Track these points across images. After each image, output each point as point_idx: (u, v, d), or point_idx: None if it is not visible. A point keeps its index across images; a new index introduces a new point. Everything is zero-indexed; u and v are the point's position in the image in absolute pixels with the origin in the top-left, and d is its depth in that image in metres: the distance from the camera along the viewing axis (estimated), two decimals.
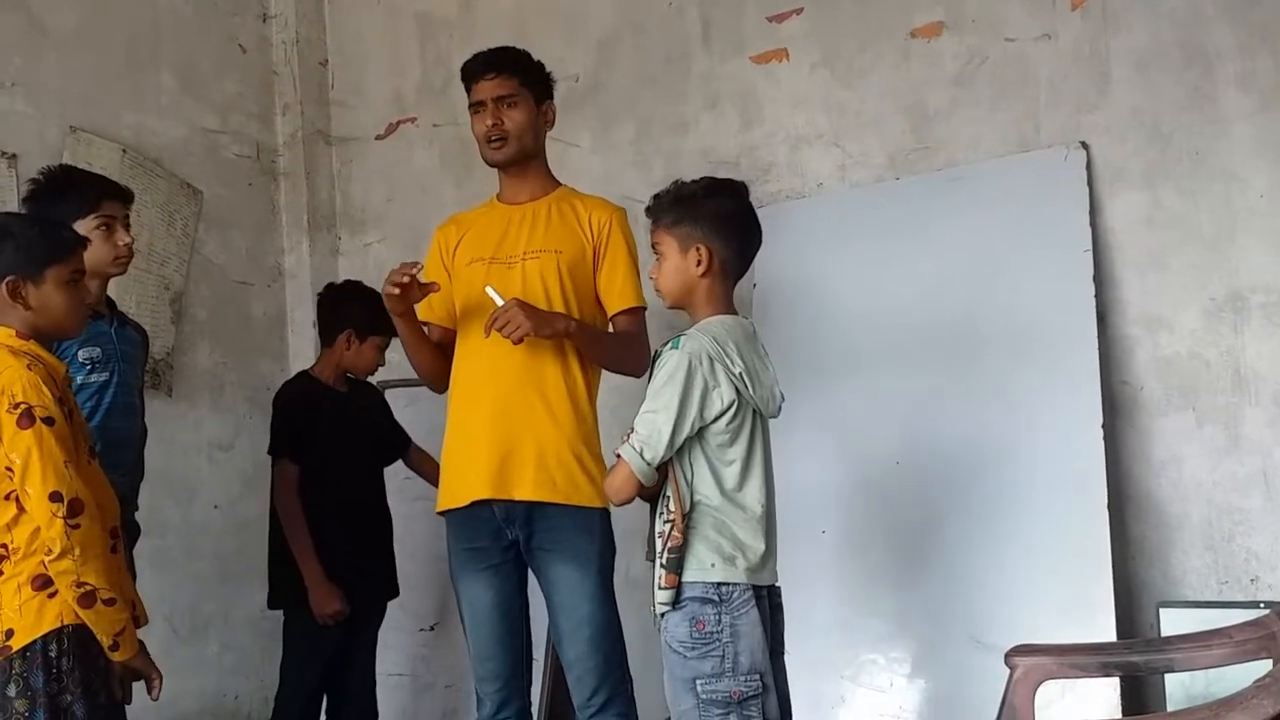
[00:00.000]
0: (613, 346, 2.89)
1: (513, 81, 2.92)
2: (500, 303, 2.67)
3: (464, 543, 2.86)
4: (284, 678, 3.54)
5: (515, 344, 2.67)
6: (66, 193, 2.89)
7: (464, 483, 2.82)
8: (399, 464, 3.85)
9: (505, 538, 2.82)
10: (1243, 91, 3.11)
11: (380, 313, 3.62)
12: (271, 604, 3.59)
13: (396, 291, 2.73)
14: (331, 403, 3.58)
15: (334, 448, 3.51)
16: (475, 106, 2.95)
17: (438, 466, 3.18)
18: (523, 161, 2.95)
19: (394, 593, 3.70)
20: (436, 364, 2.95)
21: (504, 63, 2.94)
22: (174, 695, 3.95)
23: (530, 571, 2.90)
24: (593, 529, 2.80)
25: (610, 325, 2.93)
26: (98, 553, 2.28)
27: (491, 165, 2.99)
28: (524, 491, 2.77)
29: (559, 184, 3.03)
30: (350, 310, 3.62)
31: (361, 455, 3.61)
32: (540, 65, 3.00)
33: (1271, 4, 3.08)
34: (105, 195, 2.92)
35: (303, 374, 3.72)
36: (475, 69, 2.95)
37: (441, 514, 2.92)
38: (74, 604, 2.28)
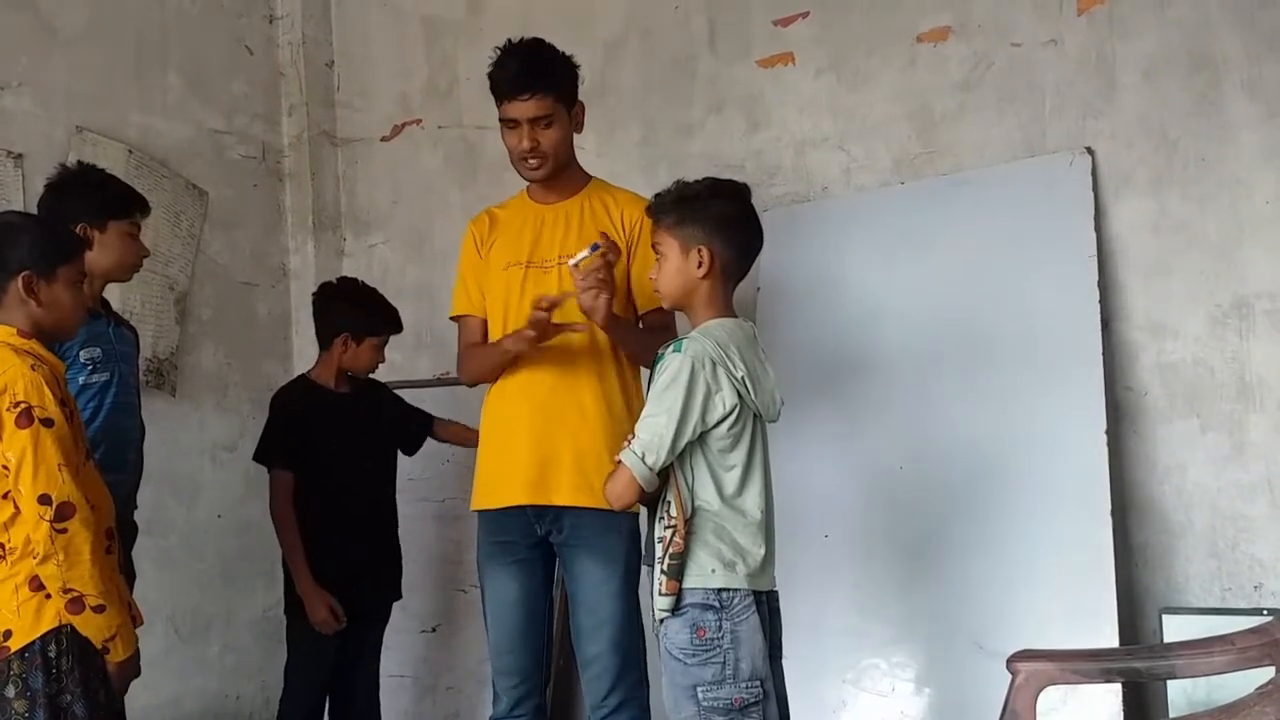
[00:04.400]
0: (646, 344, 2.79)
1: (549, 100, 2.79)
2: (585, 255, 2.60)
3: (494, 537, 2.87)
4: (288, 681, 3.54)
5: (583, 304, 2.62)
6: (105, 191, 2.97)
7: (502, 487, 2.84)
8: (402, 466, 3.83)
9: (535, 534, 2.84)
10: (1250, 98, 3.11)
11: (376, 312, 3.61)
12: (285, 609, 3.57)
13: (533, 334, 2.66)
14: (331, 407, 3.56)
15: (334, 452, 3.49)
16: (509, 123, 2.84)
17: (465, 429, 3.16)
18: (558, 173, 2.90)
19: (397, 595, 3.69)
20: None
21: (540, 81, 2.79)
22: (176, 695, 3.99)
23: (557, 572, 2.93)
24: (621, 530, 2.81)
25: (640, 321, 2.91)
26: (86, 558, 2.27)
27: (528, 181, 2.94)
28: (562, 496, 2.78)
29: (590, 177, 2.99)
30: (344, 311, 3.58)
31: (366, 457, 3.59)
32: (571, 66, 2.88)
33: None
34: (139, 204, 3.02)
35: (301, 378, 3.69)
36: (509, 87, 2.80)
37: (474, 511, 2.93)
38: (63, 609, 2.28)
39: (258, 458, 3.56)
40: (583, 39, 4.12)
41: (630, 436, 2.31)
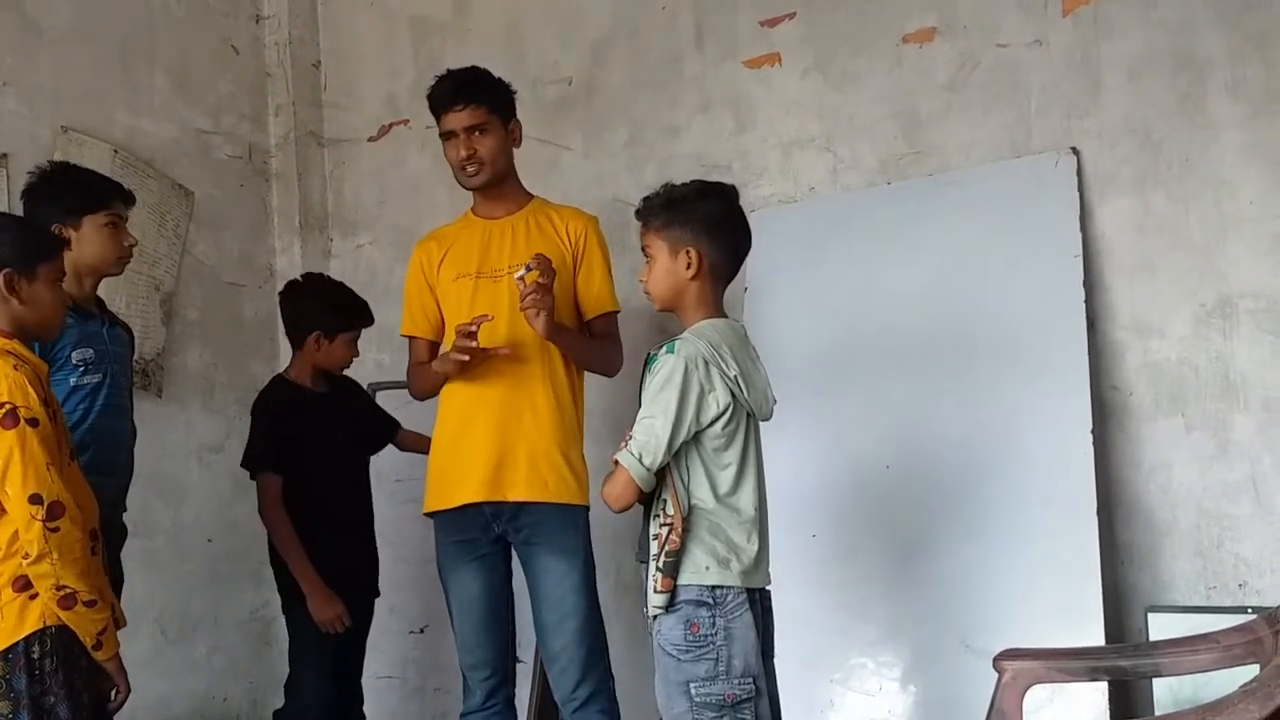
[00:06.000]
0: (590, 350, 3.01)
1: (482, 110, 2.99)
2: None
3: (453, 536, 2.97)
4: (301, 672, 3.46)
5: (528, 318, 2.76)
6: (76, 187, 2.92)
7: (457, 486, 2.94)
8: (389, 468, 3.82)
9: (493, 531, 2.94)
10: (1233, 98, 3.12)
11: (346, 308, 3.56)
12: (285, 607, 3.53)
13: (465, 359, 2.81)
14: (311, 406, 3.51)
15: (318, 452, 3.45)
16: (446, 135, 3.02)
17: (424, 438, 3.26)
18: (497, 183, 3.04)
19: (377, 592, 3.64)
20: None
21: (473, 92, 2.99)
22: (164, 697, 3.98)
23: (517, 571, 3.00)
24: (578, 524, 2.92)
25: (587, 329, 3.06)
26: (76, 556, 2.28)
27: (467, 190, 3.09)
28: (517, 493, 2.89)
29: (532, 196, 3.13)
30: (314, 309, 3.53)
31: (346, 455, 3.56)
32: (504, 85, 3.07)
33: (1263, 11, 3.10)
34: (115, 194, 2.96)
35: (279, 378, 3.63)
36: (444, 100, 3.01)
37: (429, 515, 3.03)
38: (54, 606, 2.27)
39: (246, 464, 3.53)
40: (570, 38, 4.13)
41: (627, 438, 2.32)
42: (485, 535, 2.94)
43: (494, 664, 2.95)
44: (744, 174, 3.75)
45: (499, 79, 3.07)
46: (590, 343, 3.03)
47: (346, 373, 3.69)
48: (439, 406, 3.04)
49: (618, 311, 3.08)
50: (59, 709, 2.29)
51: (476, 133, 2.98)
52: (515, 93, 3.10)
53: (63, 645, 2.30)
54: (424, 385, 3.07)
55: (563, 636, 2.86)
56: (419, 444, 3.68)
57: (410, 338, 3.15)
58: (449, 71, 3.07)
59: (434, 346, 3.11)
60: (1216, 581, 3.08)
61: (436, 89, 3.03)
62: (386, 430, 3.76)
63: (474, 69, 3.07)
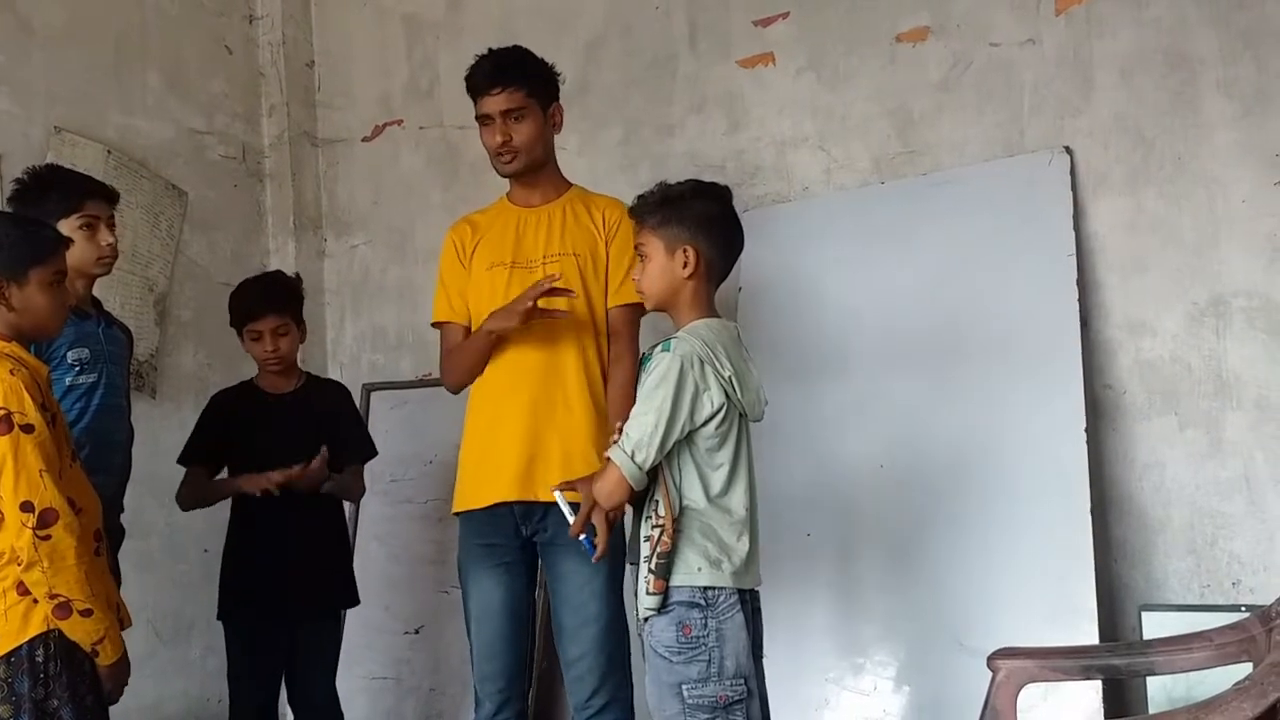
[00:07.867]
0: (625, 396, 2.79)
1: (519, 94, 2.85)
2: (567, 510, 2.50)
3: (479, 539, 2.87)
4: (230, 685, 3.44)
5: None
6: (49, 192, 2.88)
7: (488, 485, 2.84)
8: (384, 468, 3.77)
9: (521, 535, 2.84)
10: (1226, 97, 3.13)
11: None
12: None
13: (530, 304, 2.68)
14: (255, 410, 3.40)
15: (247, 458, 3.33)
16: (483, 119, 2.90)
17: (354, 483, 3.32)
18: (534, 170, 2.94)
19: (345, 601, 3.52)
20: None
21: (511, 75, 2.86)
22: (157, 698, 3.97)
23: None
24: None
25: (606, 316, 2.91)
26: (71, 563, 2.26)
27: (503, 177, 2.98)
28: (549, 493, 2.74)
29: (570, 184, 3.02)
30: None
31: (283, 466, 3.30)
32: (545, 66, 2.94)
33: (1254, 10, 3.11)
34: (89, 194, 2.91)
35: (245, 380, 3.56)
36: (481, 82, 2.87)
37: (456, 514, 2.93)
38: (51, 614, 2.27)
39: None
40: (563, 38, 4.13)
41: (616, 435, 2.32)
42: (513, 541, 2.84)
43: (509, 675, 2.83)
44: (738, 173, 3.75)
45: (541, 60, 2.92)
46: (620, 395, 2.81)
47: (340, 379, 3.63)
48: (470, 402, 2.92)
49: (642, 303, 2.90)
50: (62, 712, 2.28)
51: (513, 118, 2.84)
52: (560, 75, 2.96)
53: (66, 649, 2.29)
54: (464, 363, 2.89)
55: (582, 642, 2.76)
56: (349, 487, 3.48)
57: (443, 324, 2.97)
58: (490, 51, 2.91)
59: (469, 333, 2.93)
60: (1210, 580, 3.08)
61: (474, 70, 2.89)
62: (344, 453, 3.43)
63: (516, 49, 2.93)
